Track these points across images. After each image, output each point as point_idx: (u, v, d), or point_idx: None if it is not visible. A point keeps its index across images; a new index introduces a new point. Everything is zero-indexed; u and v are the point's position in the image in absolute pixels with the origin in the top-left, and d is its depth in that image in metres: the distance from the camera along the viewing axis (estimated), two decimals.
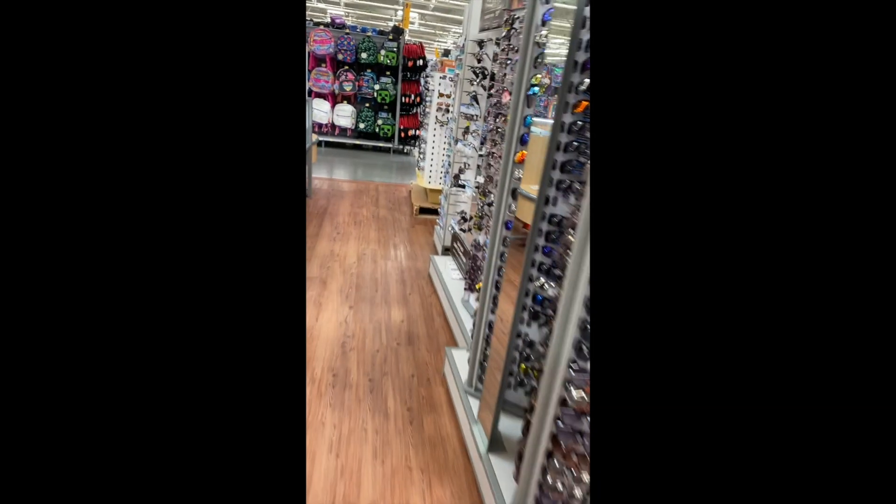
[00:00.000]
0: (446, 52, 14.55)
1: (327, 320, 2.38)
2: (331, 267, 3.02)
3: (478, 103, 2.48)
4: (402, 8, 14.80)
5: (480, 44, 2.57)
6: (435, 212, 4.32)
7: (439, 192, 4.33)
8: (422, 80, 7.07)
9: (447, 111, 4.07)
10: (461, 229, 2.70)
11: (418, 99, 7.11)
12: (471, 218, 2.59)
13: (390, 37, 6.87)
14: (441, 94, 4.04)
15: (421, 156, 4.65)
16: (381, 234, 3.74)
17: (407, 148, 7.50)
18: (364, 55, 6.84)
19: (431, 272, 3.02)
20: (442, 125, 4.13)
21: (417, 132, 7.24)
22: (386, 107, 7.21)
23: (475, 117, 2.51)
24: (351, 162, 6.51)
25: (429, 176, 4.33)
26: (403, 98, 7.06)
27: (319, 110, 6.97)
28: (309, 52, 6.70)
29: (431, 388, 1.95)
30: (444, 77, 4.00)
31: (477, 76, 2.51)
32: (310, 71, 6.80)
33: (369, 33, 6.93)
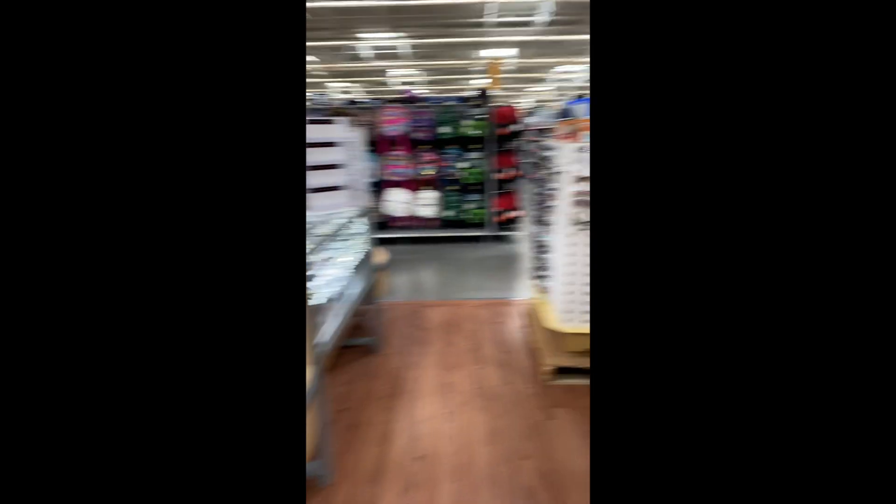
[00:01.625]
0: (533, 111, 13.25)
1: None
2: None
3: None
4: (480, 75, 13.99)
5: None
6: (581, 372, 2.49)
7: (585, 336, 2.51)
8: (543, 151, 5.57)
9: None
10: None
11: (515, 174, 5.55)
12: None
13: (475, 101, 5.52)
14: (579, 178, 2.34)
15: (541, 272, 2.91)
16: (499, 450, 1.98)
17: (507, 233, 5.87)
18: (444, 129, 5.53)
19: None
20: (584, 228, 2.40)
21: (517, 213, 5.61)
22: (475, 187, 5.74)
23: None
24: (436, 264, 5.00)
25: (565, 309, 2.55)
26: (496, 174, 5.55)
27: (396, 201, 5.68)
28: (378, 136, 5.55)
29: None
30: (582, 149, 2.32)
31: None
32: (380, 156, 5.62)
33: (450, 102, 5.66)
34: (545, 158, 2.70)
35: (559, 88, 17.02)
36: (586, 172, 2.37)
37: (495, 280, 4.39)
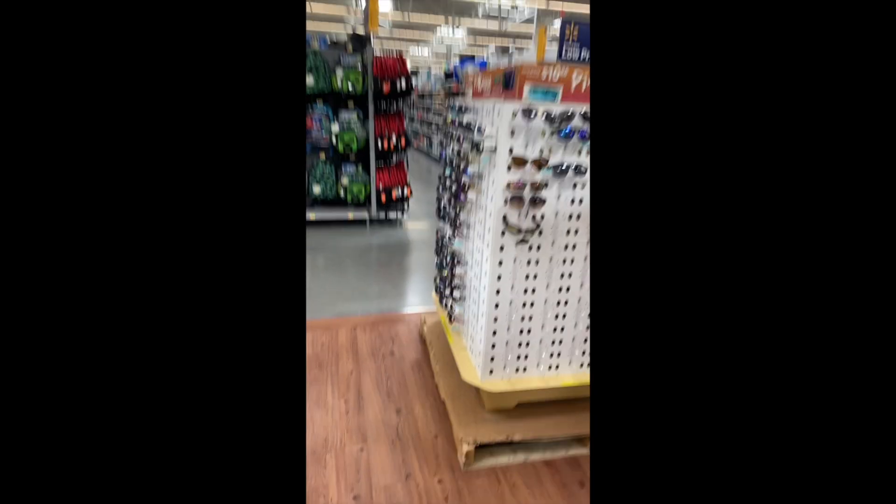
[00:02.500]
0: (414, 72, 12.15)
1: None
2: None
3: None
4: (354, 13, 11.91)
5: None
6: (506, 446, 1.71)
7: (522, 395, 1.73)
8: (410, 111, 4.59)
9: (537, 202, 1.50)
10: None
11: (403, 142, 4.55)
12: None
13: (349, 47, 4.31)
14: (518, 161, 1.46)
15: (451, 293, 2.03)
16: None
17: (393, 214, 4.88)
18: (310, 80, 4.25)
19: None
20: (524, 240, 1.55)
21: (406, 191, 4.66)
22: (352, 156, 4.61)
23: None
24: (307, 255, 3.84)
25: (490, 354, 1.71)
26: (379, 141, 4.48)
27: None
28: None
29: None
30: (529, 114, 1.43)
31: None
32: None
33: (315, 45, 4.36)
34: (461, 127, 1.77)
35: (438, 53, 16.02)
36: (529, 152, 1.50)
37: (382, 281, 3.42)
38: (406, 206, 4.83)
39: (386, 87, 4.26)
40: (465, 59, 8.45)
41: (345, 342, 2.49)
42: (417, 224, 4.90)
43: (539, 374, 1.77)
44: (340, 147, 4.43)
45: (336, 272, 3.53)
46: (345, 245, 4.15)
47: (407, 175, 4.74)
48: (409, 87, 4.33)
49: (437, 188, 2.18)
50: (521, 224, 1.54)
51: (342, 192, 4.63)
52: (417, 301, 3.08)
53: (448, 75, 8.08)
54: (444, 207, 2.08)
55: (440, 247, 2.22)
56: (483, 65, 7.50)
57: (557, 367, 1.78)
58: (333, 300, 3.02)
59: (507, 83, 1.51)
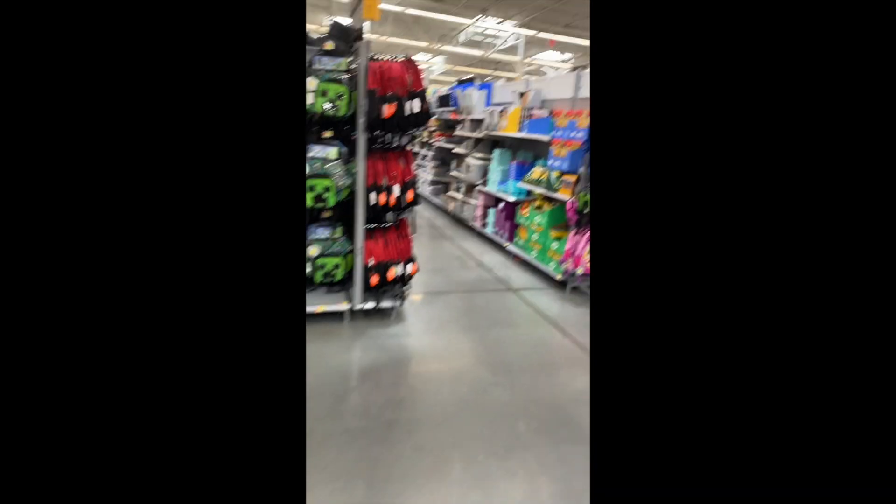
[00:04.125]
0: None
1: None
2: None
3: None
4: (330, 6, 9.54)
5: None
6: None
7: None
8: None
9: None
10: None
11: (410, 195, 2.92)
12: None
13: (328, 45, 2.69)
14: None
15: None
16: None
17: (388, 305, 3.17)
18: None
19: None
20: None
21: (409, 268, 3.01)
22: (328, 211, 2.95)
23: None
24: None
25: None
26: (372, 194, 2.83)
27: None
28: None
29: None
30: None
31: None
32: None
33: None
34: None
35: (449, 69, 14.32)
36: None
37: (372, 483, 1.70)
38: (406, 291, 3.17)
39: (388, 110, 2.66)
40: (463, 82, 7.04)
41: None
42: (421, 317, 3.23)
43: None
44: (309, 199, 2.76)
45: None
46: (312, 363, 2.41)
47: (411, 243, 3.10)
48: (426, 113, 2.74)
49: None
50: None
51: (312, 268, 2.93)
52: None
53: (444, 100, 6.61)
54: None
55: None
56: (488, 87, 6.12)
57: None
58: None
59: None
